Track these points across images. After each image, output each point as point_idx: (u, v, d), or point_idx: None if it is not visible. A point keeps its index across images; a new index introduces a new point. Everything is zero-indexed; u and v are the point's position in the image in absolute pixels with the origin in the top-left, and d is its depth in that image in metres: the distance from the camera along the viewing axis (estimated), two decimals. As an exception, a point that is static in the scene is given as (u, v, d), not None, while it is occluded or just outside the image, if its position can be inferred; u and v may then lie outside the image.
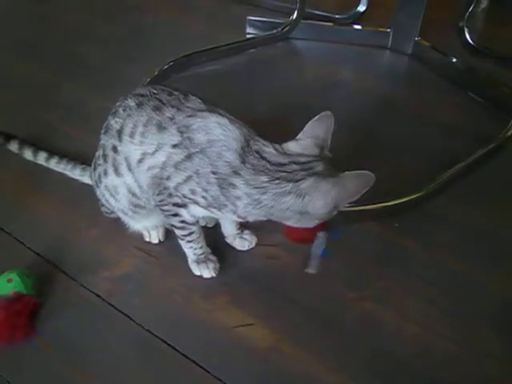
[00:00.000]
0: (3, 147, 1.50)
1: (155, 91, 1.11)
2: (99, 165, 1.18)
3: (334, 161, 1.51)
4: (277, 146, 1.02)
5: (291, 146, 1.02)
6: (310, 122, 1.05)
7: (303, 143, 1.02)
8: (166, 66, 1.92)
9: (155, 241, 1.29)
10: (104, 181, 1.18)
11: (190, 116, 1.05)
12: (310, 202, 0.97)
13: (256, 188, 0.99)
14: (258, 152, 1.00)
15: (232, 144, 1.00)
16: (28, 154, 1.47)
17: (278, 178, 0.98)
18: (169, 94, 1.10)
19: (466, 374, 1.04)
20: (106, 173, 1.16)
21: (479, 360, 1.06)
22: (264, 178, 0.98)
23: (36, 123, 1.69)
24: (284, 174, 0.98)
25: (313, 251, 1.08)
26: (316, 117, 1.04)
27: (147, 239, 1.29)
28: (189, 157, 1.03)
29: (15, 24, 2.38)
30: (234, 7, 2.55)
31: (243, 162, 0.99)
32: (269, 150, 1.01)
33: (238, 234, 1.27)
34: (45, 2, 2.65)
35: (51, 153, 1.45)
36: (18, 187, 1.45)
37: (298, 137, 1.04)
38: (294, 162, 0.99)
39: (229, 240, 1.28)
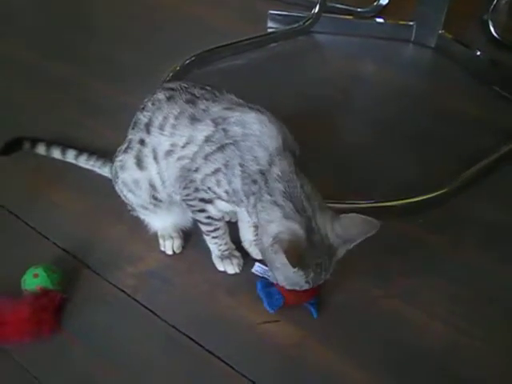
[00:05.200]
0: (30, 151, 1.50)
1: (186, 85, 1.13)
2: (120, 160, 1.18)
3: (357, 153, 1.51)
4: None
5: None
6: (357, 217, 0.99)
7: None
8: (187, 61, 1.91)
9: (169, 252, 1.25)
10: (121, 176, 1.18)
11: (227, 108, 1.06)
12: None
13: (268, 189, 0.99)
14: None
15: (266, 141, 1.01)
16: (56, 153, 1.48)
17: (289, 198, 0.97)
18: (201, 88, 1.12)
19: (492, 370, 1.04)
20: (123, 167, 1.17)
21: (505, 357, 1.06)
22: (281, 187, 0.98)
23: (63, 121, 1.69)
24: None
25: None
26: (366, 218, 0.98)
27: (162, 248, 1.26)
28: (220, 148, 1.03)
29: (41, 22, 2.39)
30: (255, 1, 2.54)
31: (271, 164, 0.99)
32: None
33: (254, 240, 1.22)
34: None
35: (80, 150, 1.46)
36: (42, 183, 1.46)
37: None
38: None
39: (245, 245, 1.25)
